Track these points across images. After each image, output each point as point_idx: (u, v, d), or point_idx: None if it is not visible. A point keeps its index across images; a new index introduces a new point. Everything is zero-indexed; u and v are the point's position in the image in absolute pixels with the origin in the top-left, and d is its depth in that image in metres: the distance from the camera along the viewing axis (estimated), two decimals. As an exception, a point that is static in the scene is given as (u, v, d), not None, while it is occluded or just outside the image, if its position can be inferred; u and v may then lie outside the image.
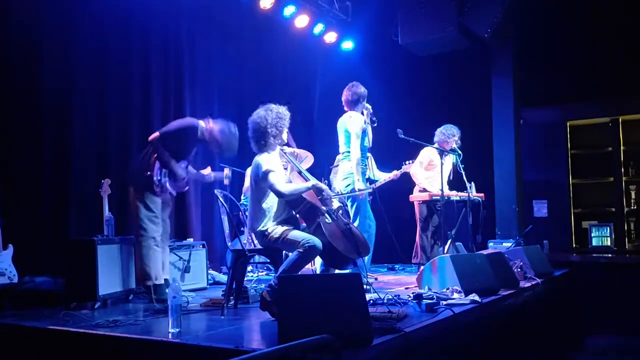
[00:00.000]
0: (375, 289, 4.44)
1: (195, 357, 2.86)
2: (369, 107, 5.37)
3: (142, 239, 4.43)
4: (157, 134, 4.51)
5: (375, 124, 5.34)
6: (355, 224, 5.09)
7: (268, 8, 6.95)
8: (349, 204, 5.23)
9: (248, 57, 7.41)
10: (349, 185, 5.19)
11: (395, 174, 5.97)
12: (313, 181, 4.20)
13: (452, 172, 6.22)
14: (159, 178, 4.43)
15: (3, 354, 3.51)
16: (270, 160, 4.11)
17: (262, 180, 4.06)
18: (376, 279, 5.74)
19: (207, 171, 4.88)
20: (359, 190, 5.08)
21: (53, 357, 3.34)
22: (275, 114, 4.20)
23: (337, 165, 6.49)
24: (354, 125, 5.17)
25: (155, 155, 4.45)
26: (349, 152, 5.23)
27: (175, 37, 6.55)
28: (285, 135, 4.30)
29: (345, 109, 5.38)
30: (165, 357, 2.97)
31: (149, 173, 4.41)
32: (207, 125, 4.60)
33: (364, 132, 5.23)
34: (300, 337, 2.21)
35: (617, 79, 7.27)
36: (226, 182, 5.09)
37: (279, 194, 4.01)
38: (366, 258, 4.64)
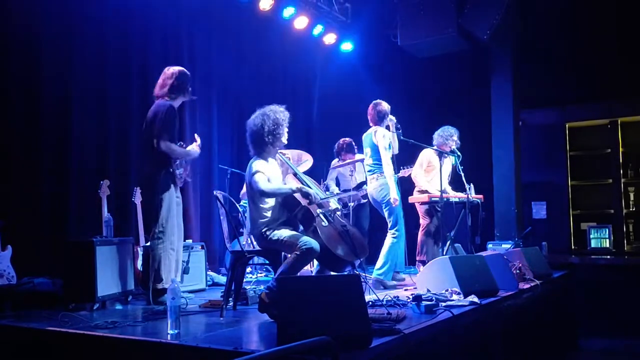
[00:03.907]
0: (373, 289, 4.43)
1: (194, 359, 2.85)
2: (394, 118, 5.58)
3: (159, 242, 4.40)
4: (157, 139, 4.35)
5: (400, 130, 5.56)
6: (395, 229, 5.31)
7: (267, 9, 6.95)
8: (386, 213, 5.40)
9: (247, 58, 7.42)
10: (386, 195, 5.35)
11: None
12: (298, 185, 4.10)
13: (452, 174, 6.23)
14: (178, 170, 4.48)
15: (2, 355, 3.51)
16: (263, 165, 4.07)
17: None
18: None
19: (191, 147, 4.72)
20: (394, 199, 5.26)
21: (51, 359, 3.33)
22: (272, 121, 4.06)
23: (334, 168, 6.60)
24: (380, 139, 5.39)
25: (164, 153, 4.39)
26: (375, 164, 5.45)
27: (175, 39, 6.55)
28: (284, 139, 4.19)
29: (371, 124, 5.57)
30: (164, 359, 2.97)
31: (170, 169, 4.43)
32: (163, 95, 4.62)
33: (390, 144, 5.44)
34: (300, 339, 2.21)
35: (616, 81, 7.28)
36: (198, 149, 4.77)
37: (260, 192, 3.97)
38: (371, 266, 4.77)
